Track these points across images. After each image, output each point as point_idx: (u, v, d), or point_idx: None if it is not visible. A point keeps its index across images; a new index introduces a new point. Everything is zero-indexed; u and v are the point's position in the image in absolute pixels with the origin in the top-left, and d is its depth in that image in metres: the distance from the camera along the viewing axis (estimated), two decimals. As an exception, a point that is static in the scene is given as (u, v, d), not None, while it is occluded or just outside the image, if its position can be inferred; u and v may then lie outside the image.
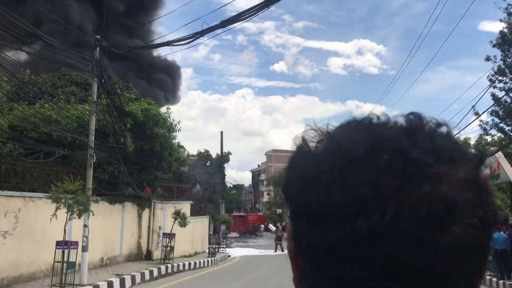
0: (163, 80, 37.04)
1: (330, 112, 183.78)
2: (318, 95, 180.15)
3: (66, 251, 10.89)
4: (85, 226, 12.35)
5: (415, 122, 0.54)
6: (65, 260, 10.84)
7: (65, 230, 11.07)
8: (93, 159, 13.03)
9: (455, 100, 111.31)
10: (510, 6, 26.94)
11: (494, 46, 27.89)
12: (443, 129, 0.54)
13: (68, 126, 15.05)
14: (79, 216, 11.47)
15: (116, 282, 12.85)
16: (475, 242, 0.49)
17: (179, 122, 20.14)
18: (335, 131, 0.56)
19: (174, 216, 18.91)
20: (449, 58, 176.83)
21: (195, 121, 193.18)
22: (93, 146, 13.09)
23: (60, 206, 10.88)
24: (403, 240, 0.47)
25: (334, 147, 0.53)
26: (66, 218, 11.03)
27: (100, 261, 16.33)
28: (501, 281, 14.40)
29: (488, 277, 15.31)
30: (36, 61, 17.40)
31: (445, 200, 0.48)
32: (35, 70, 20.08)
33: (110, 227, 17.09)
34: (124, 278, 13.38)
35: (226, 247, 29.85)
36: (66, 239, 11.19)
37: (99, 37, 13.47)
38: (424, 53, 76.62)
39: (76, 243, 11.41)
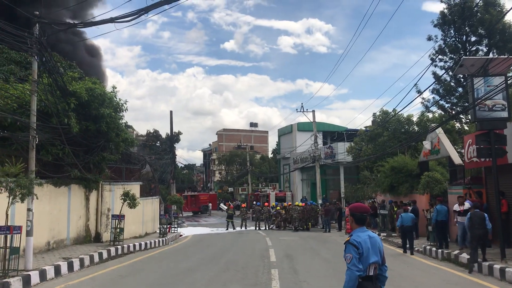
0: (91, 63, 35.22)
1: (281, 91, 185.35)
2: (269, 74, 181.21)
3: (9, 236, 10.53)
4: (28, 210, 11.95)
5: None
6: (8, 245, 10.49)
7: (7, 215, 10.68)
8: (36, 140, 12.55)
9: (399, 78, 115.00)
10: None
11: (435, 26, 28.96)
12: None
13: (7, 106, 14.36)
14: (22, 200, 11.07)
15: (64, 266, 12.58)
16: None
17: (125, 101, 19.66)
18: None
19: (123, 197, 18.65)
20: (394, 38, 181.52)
21: (144, 100, 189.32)
22: (35, 127, 12.59)
23: (1, 190, 10.49)
24: None
25: None
26: (8, 202, 10.64)
27: (47, 245, 15.93)
28: (439, 250, 15.26)
29: (428, 247, 16.17)
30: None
31: None
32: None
33: (56, 210, 16.65)
34: (72, 262, 13.12)
35: (178, 227, 29.83)
36: (9, 224, 10.81)
37: (38, 13, 12.83)
38: (370, 32, 78.30)
39: (19, 227, 11.02)
